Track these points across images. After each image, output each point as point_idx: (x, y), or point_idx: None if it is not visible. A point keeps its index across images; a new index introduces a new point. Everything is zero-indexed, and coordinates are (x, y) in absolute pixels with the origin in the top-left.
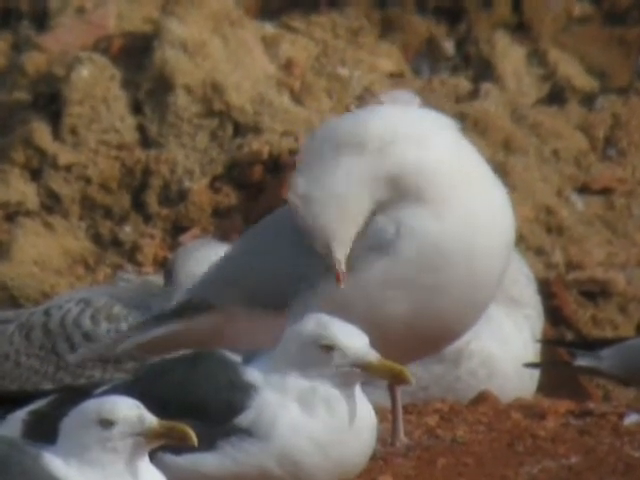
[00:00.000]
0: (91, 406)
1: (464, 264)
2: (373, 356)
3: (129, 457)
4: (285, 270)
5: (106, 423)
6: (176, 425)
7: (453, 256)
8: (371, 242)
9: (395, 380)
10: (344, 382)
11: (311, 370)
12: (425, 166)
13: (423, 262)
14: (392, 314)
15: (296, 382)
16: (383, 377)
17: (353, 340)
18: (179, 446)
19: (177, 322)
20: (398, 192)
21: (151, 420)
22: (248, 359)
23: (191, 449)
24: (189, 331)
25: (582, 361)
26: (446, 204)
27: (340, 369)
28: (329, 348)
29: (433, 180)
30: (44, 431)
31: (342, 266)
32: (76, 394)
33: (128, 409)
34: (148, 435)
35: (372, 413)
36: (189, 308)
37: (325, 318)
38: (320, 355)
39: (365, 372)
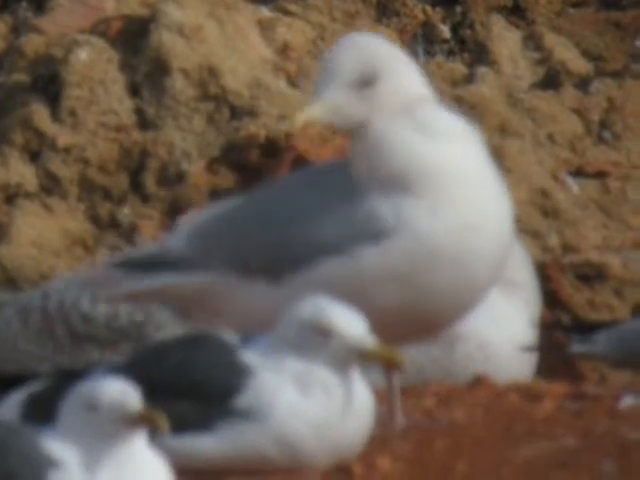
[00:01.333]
0: (81, 390)
1: (457, 265)
2: (370, 342)
3: (118, 440)
4: (279, 244)
5: (92, 407)
6: (152, 413)
7: (447, 256)
8: (367, 231)
9: (390, 366)
10: (341, 366)
11: (308, 353)
12: (431, 164)
13: (416, 259)
14: (382, 306)
15: (293, 364)
16: (379, 363)
17: (351, 325)
18: (178, 428)
19: (165, 276)
20: (398, 184)
21: (133, 405)
22: (245, 341)
23: (189, 431)
24: (177, 287)
25: (577, 346)
26: (447, 205)
27: (337, 354)
28: (326, 332)
29: (436, 179)
30: (42, 413)
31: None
32: (73, 376)
33: (112, 393)
34: (129, 420)
35: (370, 395)
36: (181, 261)
37: (324, 301)
38: (317, 339)
39: (362, 358)
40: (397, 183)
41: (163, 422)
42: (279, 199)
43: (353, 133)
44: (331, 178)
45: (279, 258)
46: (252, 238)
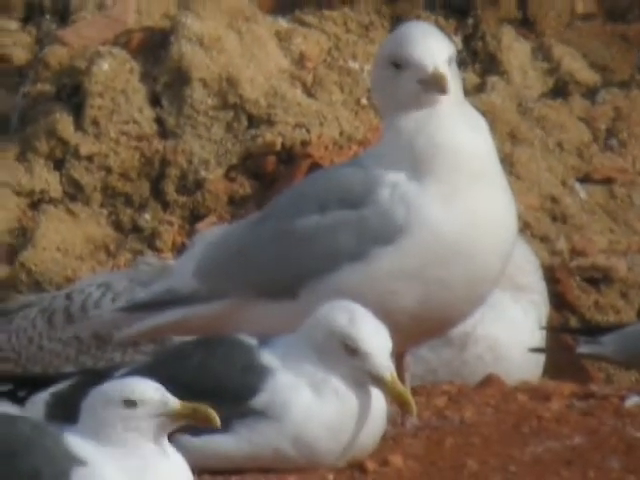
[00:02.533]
0: (115, 387)
1: (471, 258)
2: (389, 373)
3: (151, 437)
4: (294, 260)
5: (130, 403)
6: (199, 407)
7: (461, 249)
8: (380, 233)
9: (399, 406)
10: (355, 381)
11: (329, 360)
12: (454, 151)
13: (430, 255)
14: (399, 306)
15: (311, 367)
16: (389, 397)
17: (377, 350)
18: (196, 428)
19: (182, 309)
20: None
21: (174, 401)
22: (264, 342)
23: (207, 430)
24: (194, 319)
25: (585, 347)
26: (457, 196)
27: (356, 371)
28: (352, 351)
29: (456, 167)
30: (66, 412)
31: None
32: (96, 376)
33: (152, 390)
34: (171, 416)
35: (382, 396)
36: (194, 296)
37: (359, 315)
38: (341, 352)
39: (377, 385)
40: (426, 164)
41: (213, 414)
42: (283, 219)
43: (404, 111)
44: (329, 188)
45: (295, 274)
46: (264, 260)
